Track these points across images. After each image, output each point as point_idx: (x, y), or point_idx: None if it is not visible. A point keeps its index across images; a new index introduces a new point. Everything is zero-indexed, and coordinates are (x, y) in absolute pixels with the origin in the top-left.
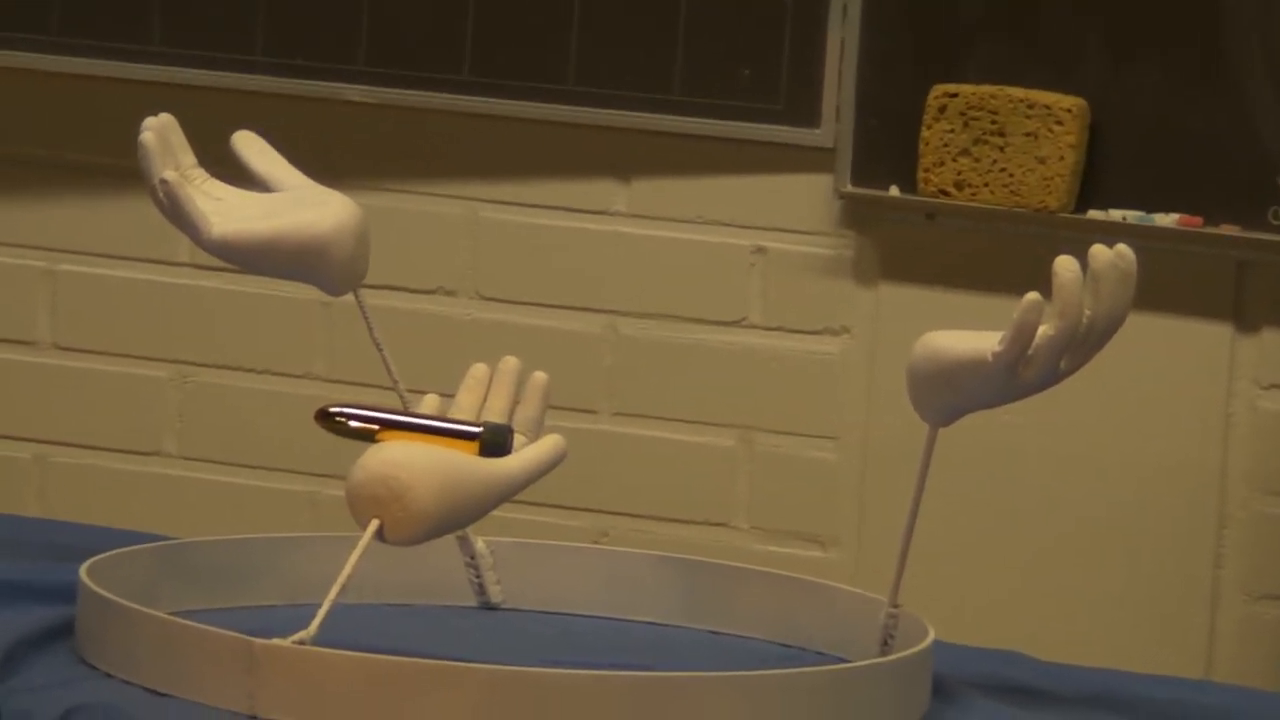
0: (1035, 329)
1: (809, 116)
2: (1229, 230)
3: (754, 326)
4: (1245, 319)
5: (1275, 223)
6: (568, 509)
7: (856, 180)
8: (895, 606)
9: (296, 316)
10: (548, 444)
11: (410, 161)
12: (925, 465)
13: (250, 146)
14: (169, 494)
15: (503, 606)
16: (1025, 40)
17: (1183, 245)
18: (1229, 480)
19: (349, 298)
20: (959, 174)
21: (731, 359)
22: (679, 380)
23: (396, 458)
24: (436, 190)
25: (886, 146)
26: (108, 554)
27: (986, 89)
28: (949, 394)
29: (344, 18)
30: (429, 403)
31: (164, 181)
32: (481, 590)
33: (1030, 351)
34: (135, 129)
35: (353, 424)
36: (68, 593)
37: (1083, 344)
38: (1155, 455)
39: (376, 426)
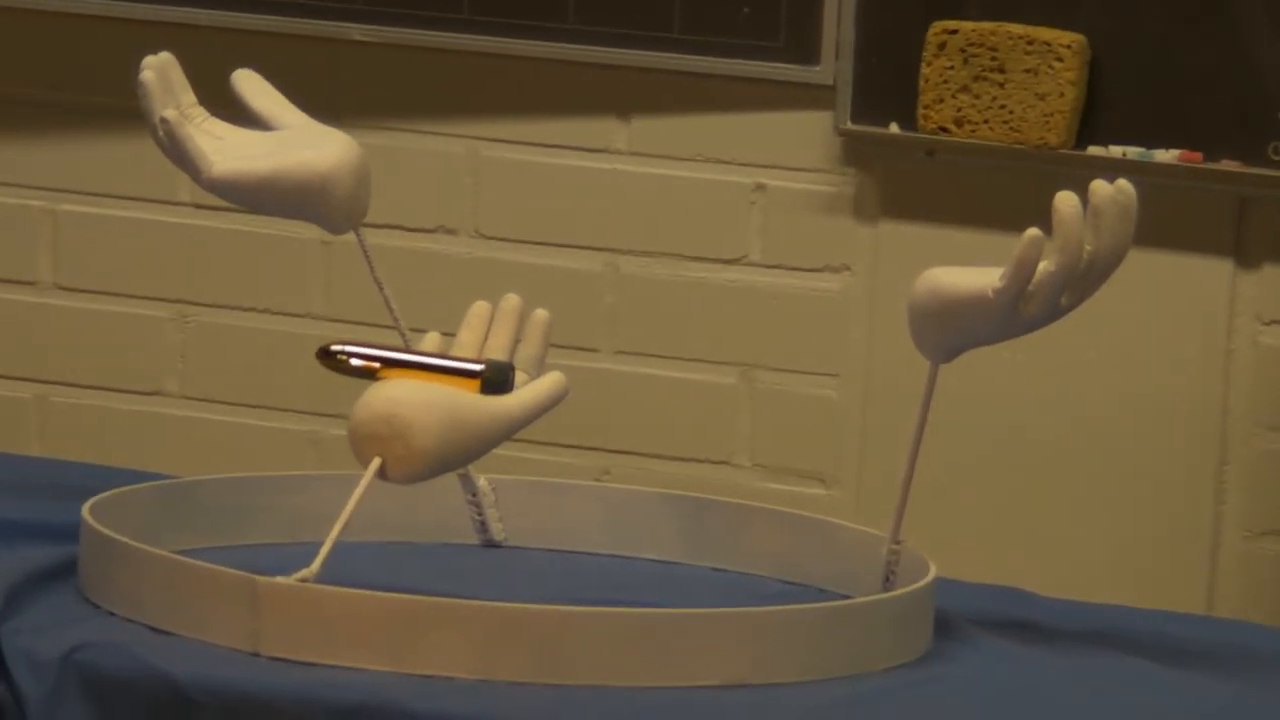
0: (1036, 265)
1: (809, 54)
2: (1229, 166)
3: (754, 264)
4: (1246, 255)
5: (1276, 158)
6: (569, 447)
7: (856, 117)
8: (897, 543)
9: (297, 255)
10: (549, 382)
11: (411, 100)
12: (926, 402)
13: (250, 85)
14: (171, 434)
15: (505, 544)
16: None
17: (1183, 181)
18: (1230, 417)
19: (350, 236)
20: (959, 111)
21: (732, 297)
22: (680, 318)
23: (398, 395)
24: (437, 129)
25: (886, 83)
26: (110, 493)
27: (986, 25)
28: (950, 331)
29: None
30: (430, 341)
31: (164, 120)
32: (484, 528)
33: (1031, 287)
34: (135, 68)
35: (354, 362)
36: (70, 532)
37: (1083, 280)
38: (1156, 392)
39: (378, 365)
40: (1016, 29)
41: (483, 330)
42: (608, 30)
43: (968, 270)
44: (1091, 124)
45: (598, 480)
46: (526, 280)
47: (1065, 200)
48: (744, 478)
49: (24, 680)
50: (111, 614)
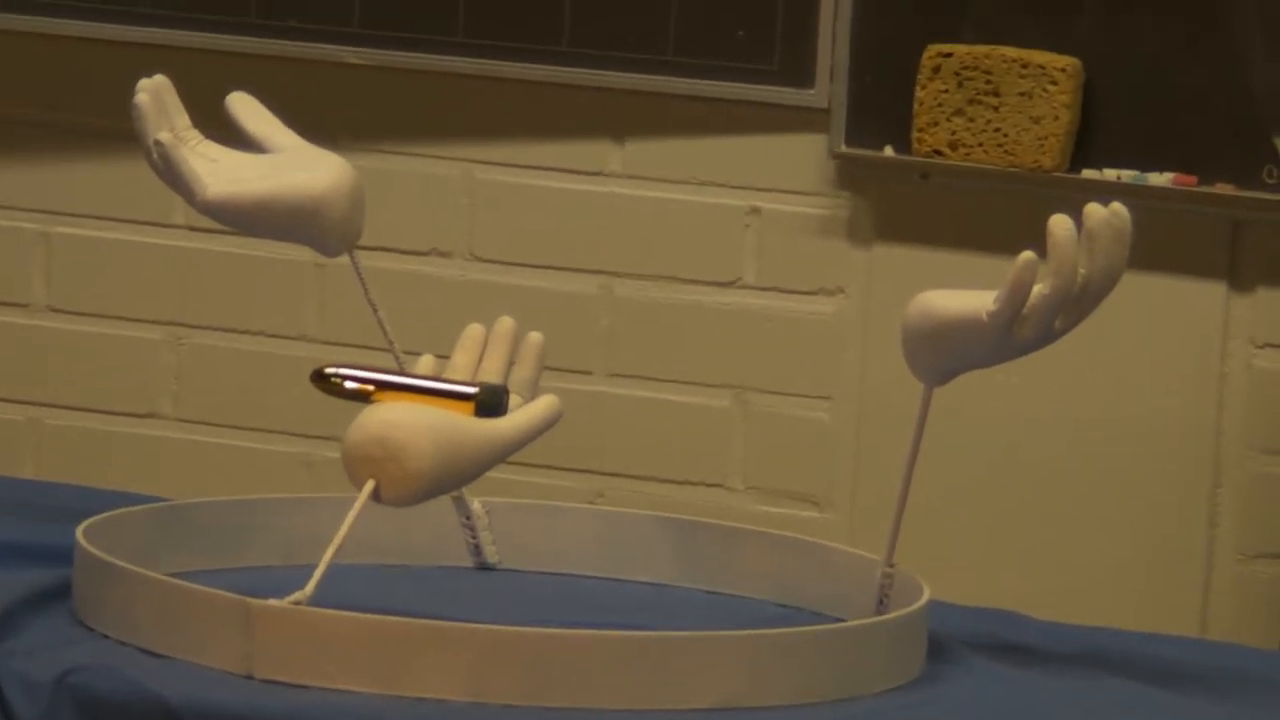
0: (1030, 288)
1: (803, 77)
2: (1223, 189)
3: (749, 287)
4: (1240, 278)
5: (1270, 182)
6: (563, 470)
7: (851, 140)
8: (891, 566)
9: (292, 278)
10: (543, 404)
11: (405, 123)
12: (920, 425)
13: (245, 108)
14: (165, 456)
15: (499, 567)
16: None
17: (1177, 204)
18: (1224, 439)
19: (344, 259)
20: (953, 134)
21: (727, 319)
22: (674, 341)
23: (392, 418)
24: (431, 152)
25: (881, 107)
26: (104, 515)
27: (981, 49)
28: (944, 353)
29: None
30: (424, 363)
31: (159, 143)
32: (477, 551)
33: (1025, 310)
34: (130, 91)
35: (348, 385)
36: (64, 554)
37: (1078, 303)
38: (1150, 414)
39: (372, 387)
40: (1011, 52)
41: (477, 353)
42: (602, 53)
43: (962, 293)
44: (1086, 147)
45: (591, 503)
46: (520, 302)
47: (1059, 223)
48: (738, 500)
49: (18, 703)
50: (105, 636)
